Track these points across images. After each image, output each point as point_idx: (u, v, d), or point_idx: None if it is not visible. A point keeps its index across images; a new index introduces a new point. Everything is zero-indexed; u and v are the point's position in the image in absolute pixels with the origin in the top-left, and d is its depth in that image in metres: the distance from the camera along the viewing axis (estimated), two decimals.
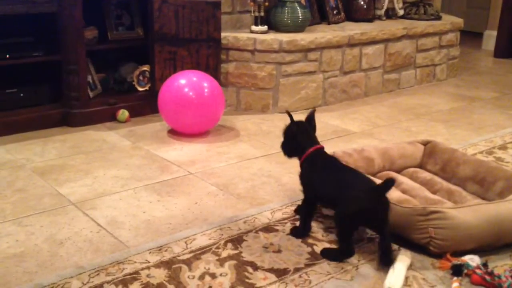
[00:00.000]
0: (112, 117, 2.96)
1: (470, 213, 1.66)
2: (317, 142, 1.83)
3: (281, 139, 1.89)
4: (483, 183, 1.99)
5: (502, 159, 2.54)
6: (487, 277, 1.55)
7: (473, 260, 1.61)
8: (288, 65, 3.16)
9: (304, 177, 1.82)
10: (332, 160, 1.82)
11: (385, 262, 1.61)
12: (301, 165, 1.83)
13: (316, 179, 1.76)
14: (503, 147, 2.70)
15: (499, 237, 1.70)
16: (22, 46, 2.77)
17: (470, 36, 5.60)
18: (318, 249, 1.74)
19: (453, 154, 2.15)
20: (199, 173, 2.34)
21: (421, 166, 2.23)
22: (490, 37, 5.31)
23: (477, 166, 2.06)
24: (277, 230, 1.85)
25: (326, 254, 1.70)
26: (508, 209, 1.69)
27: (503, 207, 1.70)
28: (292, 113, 1.85)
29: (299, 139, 1.82)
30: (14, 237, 1.79)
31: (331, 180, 1.72)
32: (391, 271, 1.57)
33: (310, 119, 1.86)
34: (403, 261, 1.61)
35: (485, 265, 1.59)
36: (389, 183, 1.55)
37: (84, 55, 2.83)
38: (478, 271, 1.57)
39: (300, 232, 1.82)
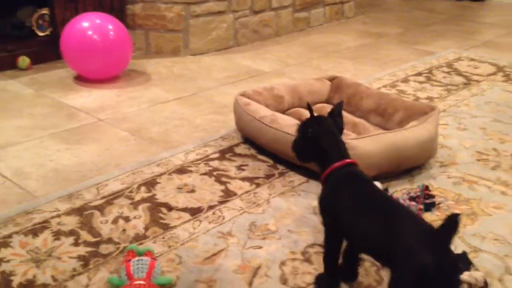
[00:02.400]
0: (12, 65, 2.79)
1: (371, 142, 1.75)
2: (347, 154, 1.30)
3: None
4: (384, 114, 2.10)
5: (404, 91, 2.68)
6: None
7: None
8: (197, 5, 3.09)
9: (325, 203, 1.27)
10: (371, 186, 1.25)
11: None
12: (323, 184, 1.30)
13: (344, 212, 1.21)
14: (405, 80, 2.84)
15: (398, 164, 1.81)
16: None
17: None
18: (231, 186, 1.78)
19: (357, 88, 2.24)
20: (109, 119, 2.28)
21: (328, 101, 2.30)
22: None
23: (379, 98, 2.16)
24: (190, 171, 1.87)
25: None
26: (405, 137, 1.80)
27: (401, 135, 1.80)
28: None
29: (323, 145, 1.30)
30: None
31: (371, 218, 1.15)
32: None
33: (336, 115, 1.38)
34: None
35: (385, 190, 1.70)
36: (453, 221, 1.02)
37: None
38: None
39: (326, 283, 1.31)
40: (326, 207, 1.26)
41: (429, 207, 1.66)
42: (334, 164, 1.26)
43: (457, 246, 1.49)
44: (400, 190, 1.77)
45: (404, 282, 1.03)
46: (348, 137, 1.78)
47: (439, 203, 1.70)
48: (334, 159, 1.27)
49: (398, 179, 1.84)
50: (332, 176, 1.27)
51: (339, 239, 1.26)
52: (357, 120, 2.11)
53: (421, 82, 2.81)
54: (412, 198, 1.66)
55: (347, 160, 1.28)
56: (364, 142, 1.74)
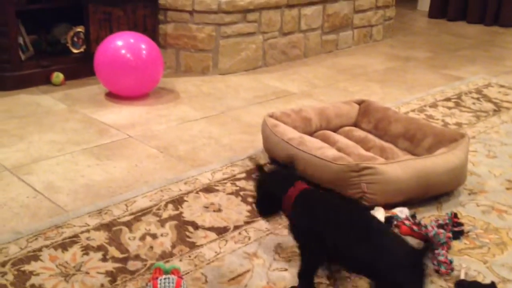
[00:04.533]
0: (46, 80, 2.87)
1: (399, 168, 1.74)
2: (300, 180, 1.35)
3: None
4: (413, 140, 2.09)
5: (433, 116, 2.67)
6: (415, 228, 1.64)
7: (402, 212, 1.71)
8: (228, 26, 3.14)
9: (303, 225, 1.30)
10: (337, 200, 1.34)
11: None
12: (291, 211, 1.32)
13: (325, 229, 1.26)
14: (433, 105, 2.83)
15: (427, 190, 1.80)
16: None
17: None
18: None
19: (386, 113, 2.24)
20: (138, 136, 2.32)
21: (356, 124, 2.30)
22: None
23: (407, 123, 2.15)
24: (217, 190, 1.88)
25: None
26: (434, 163, 1.79)
27: (430, 162, 1.79)
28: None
29: (273, 184, 1.35)
30: None
31: (353, 235, 1.23)
32: None
33: (290, 167, 1.40)
34: (379, 218, 1.64)
35: (413, 216, 1.69)
36: (427, 248, 1.20)
37: (14, 16, 2.70)
38: (406, 222, 1.66)
39: None
40: (305, 229, 1.30)
41: (458, 235, 1.64)
42: (289, 192, 1.30)
43: (486, 276, 1.47)
44: (428, 217, 1.75)
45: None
46: (376, 162, 1.78)
47: (468, 232, 1.68)
48: (288, 188, 1.31)
49: (426, 205, 1.82)
50: (297, 200, 1.30)
51: (318, 257, 1.31)
52: (385, 144, 2.10)
53: (450, 108, 2.80)
54: (440, 226, 1.64)
55: (303, 186, 1.32)
56: (393, 168, 1.73)
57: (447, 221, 1.66)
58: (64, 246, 1.54)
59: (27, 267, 1.45)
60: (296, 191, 1.31)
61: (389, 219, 1.67)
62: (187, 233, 1.63)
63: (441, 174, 1.79)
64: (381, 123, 2.21)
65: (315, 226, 1.27)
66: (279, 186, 1.34)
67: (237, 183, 1.94)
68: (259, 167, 1.40)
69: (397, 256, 1.19)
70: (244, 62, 3.28)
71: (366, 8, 3.99)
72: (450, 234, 1.61)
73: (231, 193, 1.87)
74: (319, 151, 1.88)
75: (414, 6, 5.63)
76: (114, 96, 2.75)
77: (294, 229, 1.33)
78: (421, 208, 1.80)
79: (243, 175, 2.00)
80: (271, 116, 2.14)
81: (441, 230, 1.61)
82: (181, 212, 1.74)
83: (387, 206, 1.73)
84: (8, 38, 2.70)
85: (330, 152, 1.88)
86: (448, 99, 2.92)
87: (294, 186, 1.32)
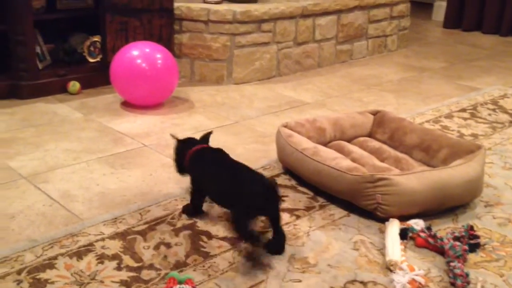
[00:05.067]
0: (63, 89, 2.90)
1: (415, 179, 1.73)
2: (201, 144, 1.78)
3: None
4: (429, 151, 2.08)
5: (448, 127, 2.65)
6: (431, 240, 1.63)
7: (417, 224, 1.70)
8: (242, 36, 3.16)
9: (191, 173, 1.77)
10: (219, 155, 1.74)
11: (275, 251, 1.58)
12: (188, 165, 1.76)
13: (204, 176, 1.71)
14: (449, 116, 2.81)
15: (442, 202, 1.78)
16: None
17: (420, 7, 5.72)
18: None
19: (401, 123, 2.23)
20: (153, 145, 2.33)
21: (370, 135, 2.29)
22: (440, 8, 5.42)
23: (423, 134, 2.14)
24: None
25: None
26: (450, 175, 1.77)
27: (446, 173, 1.78)
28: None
29: (181, 146, 1.79)
30: None
31: (222, 175, 1.65)
32: (388, 244, 1.58)
33: (205, 138, 1.82)
34: (394, 230, 1.64)
35: (429, 228, 1.67)
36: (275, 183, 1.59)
37: (31, 25, 2.74)
38: (422, 234, 1.65)
39: (191, 210, 1.79)
40: (192, 176, 1.75)
41: (474, 247, 1.62)
42: (191, 149, 1.73)
43: None
44: (443, 229, 1.74)
45: (244, 210, 1.52)
46: (391, 173, 1.77)
47: (484, 244, 1.66)
48: (189, 149, 1.75)
49: (441, 217, 1.80)
50: (192, 157, 1.72)
51: (201, 194, 1.76)
52: (400, 155, 2.09)
53: (465, 119, 2.78)
54: (456, 238, 1.62)
55: (200, 146, 1.75)
56: (408, 179, 1.72)
57: (463, 234, 1.64)
58: (79, 254, 1.55)
59: (42, 275, 1.46)
60: (192, 151, 1.73)
61: (404, 231, 1.66)
62: (201, 243, 1.63)
63: (457, 186, 1.77)
64: (396, 133, 2.20)
65: (196, 173, 1.72)
66: (184, 148, 1.77)
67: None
68: (177, 139, 1.81)
69: (252, 185, 1.55)
70: (258, 71, 3.29)
71: (381, 18, 3.99)
72: (466, 247, 1.60)
73: None
74: (334, 161, 1.87)
75: (428, 16, 5.61)
76: (129, 105, 2.77)
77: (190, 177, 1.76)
78: (436, 220, 1.78)
79: None
80: (286, 126, 2.14)
81: (457, 243, 1.59)
82: (195, 222, 1.74)
83: (402, 218, 1.72)
84: (26, 47, 2.74)
85: (344, 162, 1.88)
86: (463, 110, 2.91)
87: (193, 148, 1.74)
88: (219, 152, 1.75)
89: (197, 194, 1.76)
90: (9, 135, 2.37)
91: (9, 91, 2.78)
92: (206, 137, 1.83)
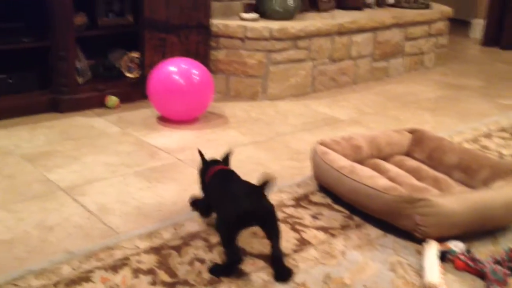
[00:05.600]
0: (101, 104, 2.96)
1: (455, 201, 1.69)
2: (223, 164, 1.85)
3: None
4: (468, 171, 2.03)
5: (487, 147, 2.59)
6: (470, 263, 1.59)
7: (457, 246, 1.65)
8: (278, 52, 3.17)
9: (204, 190, 1.85)
10: (226, 173, 1.79)
11: (280, 278, 1.54)
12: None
13: (211, 192, 1.79)
14: (488, 135, 2.75)
15: (482, 224, 1.74)
16: (11, 31, 2.75)
17: (458, 24, 5.63)
18: (305, 235, 1.77)
19: (440, 142, 2.19)
20: (188, 160, 2.35)
21: (408, 154, 2.26)
22: (478, 26, 5.34)
23: (462, 154, 2.09)
24: None
25: (215, 271, 1.56)
26: (491, 197, 1.73)
27: (486, 195, 1.73)
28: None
29: (205, 166, 1.85)
30: (4, 223, 1.80)
31: (217, 188, 1.72)
32: (427, 266, 1.56)
33: (225, 159, 1.88)
34: (433, 252, 1.61)
35: (468, 251, 1.63)
36: (267, 182, 1.55)
37: (73, 42, 2.81)
38: (461, 256, 1.61)
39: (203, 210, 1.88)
40: (205, 192, 1.83)
41: None
42: (210, 172, 1.79)
43: None
44: (483, 252, 1.69)
45: (225, 217, 1.57)
46: (430, 193, 1.74)
47: None
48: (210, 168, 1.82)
49: (480, 239, 1.75)
50: (212, 176, 1.77)
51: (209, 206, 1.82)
52: (439, 175, 2.05)
53: (505, 139, 2.71)
54: (497, 262, 1.58)
55: (218, 167, 1.80)
56: (449, 200, 1.68)
57: (504, 257, 1.59)
58: (115, 268, 1.56)
59: None
60: (213, 170, 1.79)
61: (443, 254, 1.62)
62: None
63: (498, 208, 1.72)
64: (435, 153, 2.16)
65: (207, 190, 1.81)
66: (207, 167, 1.83)
67: (285, 210, 1.93)
68: (201, 155, 1.88)
69: (238, 188, 1.64)
70: (293, 88, 3.29)
71: (418, 36, 3.95)
72: (507, 271, 1.54)
73: (279, 220, 1.85)
74: (370, 180, 1.85)
75: (466, 34, 5.53)
76: (165, 119, 2.80)
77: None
78: (475, 242, 1.73)
79: (292, 202, 1.99)
80: (321, 143, 2.12)
81: (498, 266, 1.55)
82: None
83: (440, 239, 1.68)
84: (67, 62, 2.81)
85: (381, 181, 1.85)
86: (503, 130, 2.84)
87: (215, 168, 1.80)
88: (229, 171, 1.80)
89: (206, 204, 1.85)
90: (49, 148, 2.43)
91: (49, 105, 2.85)
92: (226, 158, 1.88)
